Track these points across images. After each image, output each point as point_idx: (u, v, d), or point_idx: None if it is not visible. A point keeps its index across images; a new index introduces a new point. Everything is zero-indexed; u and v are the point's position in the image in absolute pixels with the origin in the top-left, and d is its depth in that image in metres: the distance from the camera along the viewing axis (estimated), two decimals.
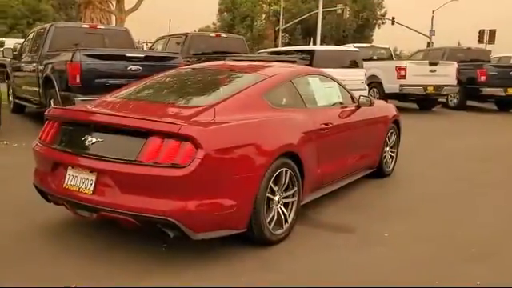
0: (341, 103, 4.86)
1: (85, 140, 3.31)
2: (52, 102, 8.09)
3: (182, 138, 3.01)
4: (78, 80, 7.38)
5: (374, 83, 13.13)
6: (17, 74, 10.46)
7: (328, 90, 4.68)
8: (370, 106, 4.96)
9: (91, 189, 3.19)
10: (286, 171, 3.62)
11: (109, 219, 3.26)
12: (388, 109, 5.78)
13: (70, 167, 3.34)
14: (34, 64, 9.03)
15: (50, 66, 8.25)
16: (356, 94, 5.15)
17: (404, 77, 12.42)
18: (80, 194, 3.23)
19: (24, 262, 3.25)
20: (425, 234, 3.98)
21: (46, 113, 3.80)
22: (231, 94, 3.65)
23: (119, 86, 8.00)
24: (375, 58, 15.38)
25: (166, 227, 3.05)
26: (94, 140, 3.28)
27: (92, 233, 3.72)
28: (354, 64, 11.85)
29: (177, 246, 3.45)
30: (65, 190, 3.33)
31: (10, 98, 11.05)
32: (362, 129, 4.96)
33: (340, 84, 4.95)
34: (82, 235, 3.68)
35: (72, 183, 3.30)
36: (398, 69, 12.60)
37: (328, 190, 4.46)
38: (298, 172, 3.74)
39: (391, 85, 12.76)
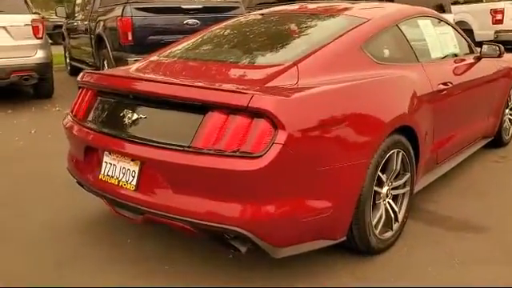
0: (456, 54, 3.68)
1: (124, 116, 2.44)
2: (106, 63, 7.40)
3: (253, 113, 2.06)
4: (130, 38, 6.57)
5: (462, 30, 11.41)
6: (71, 34, 9.88)
7: (442, 38, 3.51)
8: (499, 57, 3.74)
9: (134, 183, 2.35)
10: (398, 153, 2.60)
11: (159, 224, 2.41)
12: (510, 60, 4.48)
13: (106, 153, 2.51)
14: (86, 22, 8.34)
15: (101, 23, 7.50)
16: None
17: (501, 21, 10.64)
18: (120, 188, 2.40)
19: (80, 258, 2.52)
20: None
21: (78, 78, 2.97)
22: (318, 47, 2.61)
23: None
24: (462, 0, 13.47)
25: (235, 240, 2.17)
26: (135, 116, 2.40)
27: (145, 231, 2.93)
28: (441, 8, 10.23)
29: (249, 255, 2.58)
30: (101, 182, 2.51)
31: (67, 60, 10.57)
32: (483, 88, 3.77)
33: (455, 29, 3.75)
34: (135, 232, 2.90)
35: (110, 174, 2.47)
36: (494, 12, 10.80)
37: (443, 170, 3.39)
38: (412, 152, 2.71)
39: (484, 31, 11.01)
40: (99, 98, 2.71)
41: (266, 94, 2.12)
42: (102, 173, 2.51)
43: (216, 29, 3.46)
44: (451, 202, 3.33)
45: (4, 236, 2.97)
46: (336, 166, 2.23)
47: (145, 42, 6.64)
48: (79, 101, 2.84)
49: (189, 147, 2.15)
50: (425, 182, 3.13)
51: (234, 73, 2.52)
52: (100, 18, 7.58)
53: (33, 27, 6.87)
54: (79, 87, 2.96)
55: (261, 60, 2.66)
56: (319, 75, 2.43)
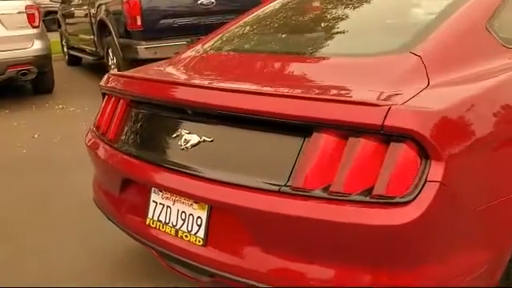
0: None
1: (179, 138, 1.74)
2: (110, 51, 6.63)
3: (388, 135, 1.36)
4: (139, 22, 5.81)
5: None
6: (68, 20, 9.04)
7: None
8: None
9: (201, 235, 1.65)
10: None
11: None
12: None
13: (155, 189, 1.82)
14: (85, 7, 7.51)
15: (103, 7, 6.70)
16: None
17: None
18: (179, 241, 1.71)
19: None
20: None
21: (101, 83, 2.25)
22: (432, 27, 1.88)
23: (190, 28, 6.50)
24: None
25: None
26: (195, 139, 1.69)
27: None
28: None
29: None
30: (148, 228, 1.82)
31: (65, 49, 9.74)
32: None
33: None
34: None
35: (162, 219, 1.78)
36: None
37: None
38: None
39: None
40: (136, 110, 2.00)
41: (405, 106, 1.40)
42: (150, 216, 1.81)
43: (265, 9, 2.70)
44: None
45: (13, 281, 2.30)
46: (499, 200, 1.54)
47: (156, 27, 5.90)
48: (106, 113, 2.13)
49: (286, 187, 1.46)
50: None
51: (330, 71, 1.78)
52: (101, 2, 6.76)
53: (27, 14, 6.09)
54: (103, 94, 2.25)
55: (359, 49, 1.91)
56: (450, 69, 1.71)
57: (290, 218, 1.43)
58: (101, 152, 2.07)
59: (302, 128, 1.47)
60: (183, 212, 1.71)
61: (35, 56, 6.10)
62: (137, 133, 1.97)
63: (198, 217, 1.67)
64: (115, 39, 6.27)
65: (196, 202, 1.68)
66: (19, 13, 6.07)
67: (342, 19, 2.24)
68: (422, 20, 2.00)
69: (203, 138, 1.68)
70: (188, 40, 6.03)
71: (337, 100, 1.45)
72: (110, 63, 6.76)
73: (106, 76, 2.24)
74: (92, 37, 7.38)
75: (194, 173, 1.66)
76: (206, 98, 1.66)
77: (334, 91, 1.56)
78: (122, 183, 1.94)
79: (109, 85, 2.15)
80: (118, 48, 6.26)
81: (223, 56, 2.18)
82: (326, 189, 1.41)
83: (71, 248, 2.60)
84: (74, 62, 9.37)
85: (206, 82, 1.83)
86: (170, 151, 1.77)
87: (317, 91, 1.56)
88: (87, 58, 8.17)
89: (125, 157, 1.92)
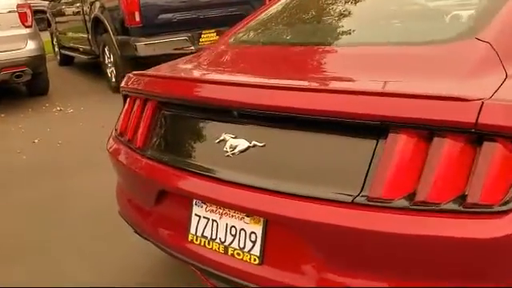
0: None
1: (221, 143, 1.55)
2: (107, 49, 6.39)
3: (479, 134, 1.19)
4: (137, 18, 5.58)
5: None
6: (58, 19, 8.75)
7: None
8: None
9: (256, 253, 1.47)
10: None
11: None
12: None
13: (196, 202, 1.63)
14: (78, 4, 7.24)
15: (97, 4, 6.44)
16: None
17: None
18: (229, 259, 1.52)
19: None
20: None
21: (123, 84, 2.05)
22: (493, 7, 1.70)
23: (190, 22, 6.27)
24: None
25: None
26: (244, 144, 1.50)
27: None
28: None
29: None
30: (191, 245, 1.63)
31: (56, 49, 9.46)
32: None
33: None
34: None
35: (207, 235, 1.59)
36: None
37: None
38: None
39: None
40: (168, 113, 1.80)
41: (497, 100, 1.22)
42: (193, 232, 1.62)
43: None
44: None
45: None
46: None
47: (155, 22, 5.69)
48: (131, 118, 1.92)
49: (361, 197, 1.28)
50: None
51: (390, 62, 1.58)
52: None
53: (19, 14, 5.82)
54: (125, 96, 2.05)
55: (415, 37, 1.71)
56: None
57: (367, 232, 1.25)
58: (129, 161, 1.87)
59: (375, 128, 1.29)
60: (233, 227, 1.53)
61: (29, 57, 5.85)
62: (171, 139, 1.77)
63: (252, 232, 1.48)
64: (112, 36, 6.03)
65: (248, 216, 1.49)
66: (10, 12, 5.81)
67: (387, 4, 2.05)
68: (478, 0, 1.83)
69: (253, 142, 1.49)
70: (188, 35, 5.83)
71: (417, 95, 1.27)
72: (106, 61, 6.52)
73: (126, 77, 2.03)
74: (86, 35, 7.12)
75: (244, 182, 1.47)
76: (257, 97, 1.47)
77: (405, 85, 1.38)
78: (157, 195, 1.74)
79: (132, 86, 1.95)
80: (115, 45, 6.02)
81: (261, 49, 1.97)
82: (409, 198, 1.23)
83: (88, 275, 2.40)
84: (66, 61, 9.10)
85: (255, 80, 1.63)
86: (213, 159, 1.58)
87: (387, 86, 1.38)
88: (81, 57, 7.91)
89: (159, 166, 1.72)
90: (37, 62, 5.97)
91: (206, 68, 1.95)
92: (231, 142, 1.54)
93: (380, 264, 1.28)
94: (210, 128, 1.64)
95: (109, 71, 6.47)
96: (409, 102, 1.27)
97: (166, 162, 1.71)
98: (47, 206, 3.14)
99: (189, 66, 2.00)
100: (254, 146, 1.49)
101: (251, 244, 1.48)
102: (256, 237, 1.47)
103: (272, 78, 1.62)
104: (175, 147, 1.76)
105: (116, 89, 6.32)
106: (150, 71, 2.01)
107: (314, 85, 1.40)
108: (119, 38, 5.92)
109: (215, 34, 5.98)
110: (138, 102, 1.92)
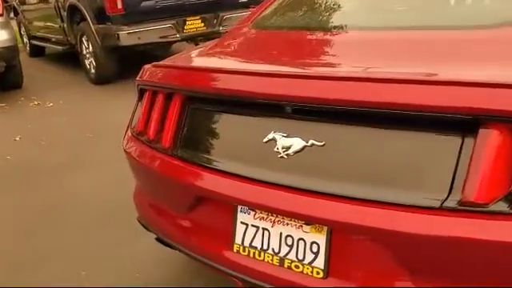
0: None
1: (270, 142, 1.37)
2: (85, 39, 6.06)
3: None
4: (119, 6, 5.28)
5: None
6: (26, 7, 8.30)
7: None
8: None
9: (319, 265, 1.31)
10: None
11: None
12: None
13: (243, 208, 1.45)
14: None
15: None
16: None
17: None
18: (285, 272, 1.36)
19: None
20: None
21: (139, 78, 1.84)
22: None
23: (174, 9, 5.98)
24: None
25: None
26: (299, 144, 1.33)
27: None
28: None
29: None
30: (237, 256, 1.46)
31: (25, 39, 8.98)
32: None
33: None
34: None
35: (256, 245, 1.42)
36: None
37: None
38: None
39: None
40: (201, 109, 1.60)
41: None
42: (239, 242, 1.45)
43: None
44: None
45: None
46: None
47: (138, 9, 5.41)
48: (152, 115, 1.72)
49: (451, 201, 1.13)
50: None
51: (452, 47, 1.43)
52: None
53: None
54: (141, 90, 1.84)
55: (475, 19, 1.57)
56: None
57: (462, 241, 1.11)
58: (153, 163, 1.67)
59: (461, 123, 1.14)
60: (289, 236, 1.36)
61: (2, 48, 5.47)
62: (206, 138, 1.59)
63: (313, 242, 1.32)
64: (91, 25, 5.71)
65: (308, 224, 1.32)
66: None
67: None
68: None
69: (311, 141, 1.32)
70: (173, 22, 5.57)
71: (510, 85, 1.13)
72: (84, 52, 6.18)
73: (143, 69, 1.82)
74: (60, 24, 6.74)
75: (302, 187, 1.31)
76: (314, 90, 1.30)
77: (489, 73, 1.23)
78: (191, 201, 1.56)
79: (152, 79, 1.75)
80: (94, 35, 5.70)
81: (299, 34, 1.77)
82: (507, 201, 1.09)
83: None
84: (36, 52, 8.68)
85: (310, 71, 1.45)
86: (262, 160, 1.40)
87: (471, 74, 1.22)
88: (54, 48, 7.51)
89: (194, 168, 1.53)
90: (10, 53, 5.60)
91: (244, 57, 1.75)
92: (283, 141, 1.36)
93: (475, 276, 1.14)
94: (254, 126, 1.46)
95: (87, 62, 6.14)
96: (503, 92, 1.12)
97: (201, 164, 1.52)
98: (48, 206, 2.91)
99: (220, 56, 1.80)
100: (312, 145, 1.32)
101: (313, 255, 1.32)
102: (318, 247, 1.31)
103: (326, 67, 1.45)
104: (212, 147, 1.57)
105: (96, 80, 6.02)
106: (174, 63, 1.81)
107: (388, 74, 1.24)
108: (99, 26, 5.60)
109: (200, 21, 5.75)
110: (160, 97, 1.71)
